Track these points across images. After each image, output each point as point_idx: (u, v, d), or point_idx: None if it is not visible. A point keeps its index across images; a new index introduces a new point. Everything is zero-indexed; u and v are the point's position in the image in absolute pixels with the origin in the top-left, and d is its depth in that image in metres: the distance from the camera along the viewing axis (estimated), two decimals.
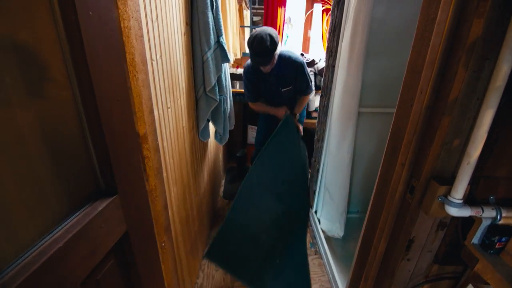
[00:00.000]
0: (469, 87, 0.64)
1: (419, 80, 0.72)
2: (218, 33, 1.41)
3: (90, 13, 0.50)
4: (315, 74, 2.78)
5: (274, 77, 1.74)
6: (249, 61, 1.71)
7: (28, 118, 0.44)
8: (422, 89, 0.70)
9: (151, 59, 0.90)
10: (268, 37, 1.50)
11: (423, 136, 0.73)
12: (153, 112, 0.87)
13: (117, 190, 0.61)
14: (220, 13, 1.43)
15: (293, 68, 1.71)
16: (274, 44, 1.52)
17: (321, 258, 1.85)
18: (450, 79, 0.65)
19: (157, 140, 0.92)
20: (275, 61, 1.63)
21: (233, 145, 3.21)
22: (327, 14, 2.73)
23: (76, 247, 0.50)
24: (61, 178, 0.51)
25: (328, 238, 1.92)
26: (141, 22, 0.77)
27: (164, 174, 1.05)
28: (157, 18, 0.93)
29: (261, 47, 1.51)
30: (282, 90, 1.79)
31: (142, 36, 0.78)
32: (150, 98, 0.85)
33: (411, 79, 0.78)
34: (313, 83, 1.93)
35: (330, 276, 1.68)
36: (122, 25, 0.63)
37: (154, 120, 0.88)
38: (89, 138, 0.55)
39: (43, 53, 0.46)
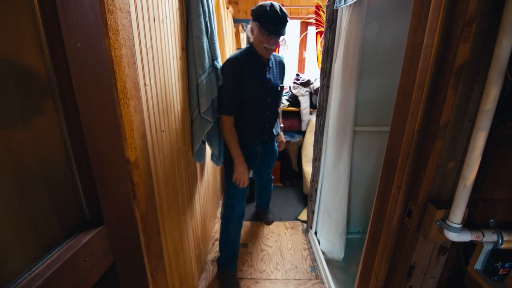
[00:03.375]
0: (460, 109, 0.64)
1: (410, 103, 0.72)
2: (213, 57, 1.44)
3: (78, 44, 0.50)
4: (311, 94, 2.82)
5: (270, 70, 1.53)
6: (235, 53, 1.49)
7: (10, 146, 0.43)
8: (413, 112, 0.70)
9: (145, 84, 0.91)
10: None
11: (417, 158, 0.72)
12: (145, 137, 0.87)
13: (103, 220, 0.59)
14: (216, 38, 1.47)
15: (281, 66, 1.60)
16: None
17: (322, 283, 1.77)
18: (440, 102, 0.65)
19: (149, 165, 0.90)
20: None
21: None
22: (320, 36, 2.81)
23: (56, 284, 0.47)
24: (43, 209, 0.49)
25: (328, 261, 1.85)
26: (134, 49, 0.79)
27: (157, 199, 1.03)
28: (151, 45, 0.95)
29: (283, 12, 1.33)
30: (279, 87, 1.59)
31: (135, 63, 0.79)
32: (143, 123, 0.84)
33: (402, 101, 0.78)
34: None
35: None
36: (113, 54, 0.64)
37: (146, 145, 0.87)
38: (75, 167, 0.53)
39: (28, 82, 0.46)
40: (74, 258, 0.51)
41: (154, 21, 0.98)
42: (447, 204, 0.69)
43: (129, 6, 0.75)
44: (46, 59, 0.47)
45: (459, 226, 0.66)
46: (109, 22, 0.62)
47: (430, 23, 0.66)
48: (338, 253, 1.84)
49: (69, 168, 0.53)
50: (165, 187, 1.12)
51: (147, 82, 0.93)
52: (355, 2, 1.32)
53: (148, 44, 0.93)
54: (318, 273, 1.85)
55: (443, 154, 0.67)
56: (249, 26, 1.45)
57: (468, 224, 0.69)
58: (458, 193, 0.65)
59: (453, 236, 0.67)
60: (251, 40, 1.46)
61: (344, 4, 1.38)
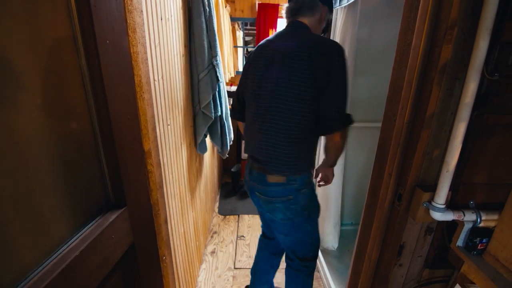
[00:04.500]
0: (443, 103, 0.72)
1: (400, 98, 0.80)
2: (213, 54, 1.50)
3: (107, 41, 0.56)
4: None
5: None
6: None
7: (50, 136, 0.48)
8: (403, 105, 0.78)
9: (154, 80, 0.96)
10: None
11: (406, 147, 0.80)
12: (155, 129, 0.92)
13: (125, 202, 0.65)
14: (216, 36, 1.52)
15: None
16: None
17: (317, 271, 1.86)
18: (426, 96, 0.73)
19: (159, 156, 0.96)
20: None
21: (228, 160, 3.25)
22: None
23: (90, 256, 0.53)
24: (77, 191, 0.55)
25: (323, 251, 1.94)
26: (146, 46, 0.84)
27: (164, 189, 1.08)
28: (159, 42, 1.00)
29: None
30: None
31: (146, 59, 0.84)
32: (153, 116, 0.90)
33: (393, 96, 0.86)
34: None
35: None
36: (131, 51, 0.69)
37: (156, 137, 0.93)
38: (103, 154, 0.59)
39: (64, 77, 0.51)
40: (103, 234, 0.57)
41: (161, 19, 1.03)
42: (432, 188, 0.77)
43: (142, 5, 0.80)
44: (80, 55, 0.52)
45: (443, 206, 0.75)
46: (128, 21, 0.67)
47: (418, 26, 0.74)
48: (332, 243, 1.93)
49: (97, 153, 0.59)
50: (170, 178, 1.17)
51: (156, 78, 0.98)
52: (349, 3, 1.39)
53: (157, 42, 0.98)
54: None
55: (429, 143, 0.75)
56: (318, 15, 1.09)
57: (451, 205, 0.78)
58: (441, 177, 0.73)
59: (437, 216, 0.75)
60: (321, 29, 1.16)
61: (339, 5, 1.45)
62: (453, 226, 0.85)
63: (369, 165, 2.01)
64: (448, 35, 0.68)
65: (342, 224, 2.12)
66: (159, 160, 0.96)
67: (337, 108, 0.94)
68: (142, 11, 0.80)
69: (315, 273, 1.84)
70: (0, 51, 0.38)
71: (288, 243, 1.22)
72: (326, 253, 1.93)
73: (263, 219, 1.41)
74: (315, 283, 1.76)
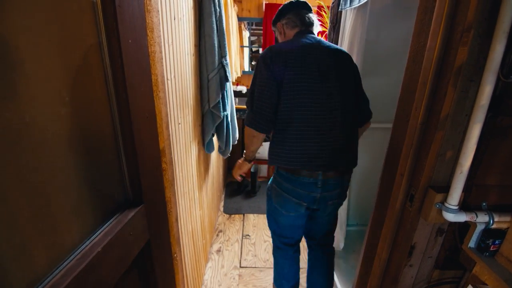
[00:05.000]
0: (458, 104, 0.72)
1: (414, 99, 0.81)
2: (223, 54, 1.51)
3: (130, 41, 0.57)
4: None
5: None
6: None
7: (73, 133, 0.49)
8: (417, 106, 0.79)
9: (167, 79, 0.97)
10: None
11: (419, 148, 0.80)
12: (168, 128, 0.93)
13: (143, 200, 0.66)
14: (225, 36, 1.53)
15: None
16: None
17: None
18: (441, 98, 0.73)
19: (171, 154, 0.97)
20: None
21: (232, 160, 3.26)
22: (322, 36, 2.90)
23: (111, 252, 0.54)
24: (97, 188, 0.56)
25: None
26: (161, 46, 0.85)
27: (175, 187, 1.10)
28: (172, 42, 1.01)
29: None
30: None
31: (162, 58, 0.85)
32: (167, 115, 0.91)
33: (406, 97, 0.86)
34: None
35: None
36: (150, 50, 0.70)
37: (169, 135, 0.94)
38: (122, 151, 0.60)
39: (88, 75, 0.52)
40: (123, 231, 0.58)
41: (174, 19, 1.04)
42: (445, 189, 0.78)
43: (158, 5, 0.81)
44: (104, 54, 0.53)
45: (456, 207, 0.75)
46: (147, 21, 0.68)
47: (433, 28, 0.74)
48: (338, 243, 1.93)
49: (117, 150, 0.60)
50: (180, 176, 1.19)
51: (169, 77, 0.99)
52: (359, 5, 1.39)
53: (170, 41, 0.99)
54: None
55: (443, 145, 0.75)
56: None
57: (463, 207, 0.78)
58: (455, 179, 0.74)
59: (450, 217, 0.76)
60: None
61: (349, 6, 1.45)
62: (464, 228, 0.85)
63: (373, 166, 2.01)
64: (464, 38, 0.68)
65: (347, 225, 2.12)
66: (171, 158, 0.97)
67: (367, 101, 1.24)
68: (158, 11, 0.81)
69: None
70: (27, 49, 0.39)
71: (332, 223, 1.40)
72: None
73: (299, 231, 1.37)
74: None
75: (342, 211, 1.91)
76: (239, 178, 1.38)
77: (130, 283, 0.65)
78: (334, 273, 1.73)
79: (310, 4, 1.28)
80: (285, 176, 1.13)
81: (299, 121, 1.05)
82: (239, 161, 1.35)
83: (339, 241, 1.94)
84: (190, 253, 1.43)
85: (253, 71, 1.11)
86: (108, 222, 0.56)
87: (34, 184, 0.41)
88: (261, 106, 1.06)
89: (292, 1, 1.24)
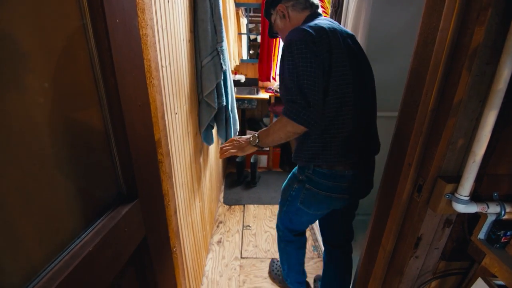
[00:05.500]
0: (472, 89, 0.68)
1: (424, 84, 0.76)
2: (218, 40, 1.43)
3: (117, 21, 0.51)
4: None
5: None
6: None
7: (58, 125, 0.45)
8: (427, 92, 0.74)
9: (161, 66, 0.92)
10: None
11: (429, 137, 0.76)
12: (164, 117, 0.89)
13: (137, 194, 0.62)
14: (222, 21, 1.46)
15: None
16: None
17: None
18: (454, 82, 0.68)
19: (168, 145, 0.93)
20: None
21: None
22: None
23: (104, 251, 0.50)
24: (87, 182, 0.52)
25: None
26: (154, 29, 0.79)
27: (173, 179, 1.06)
28: (166, 26, 0.95)
29: None
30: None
31: (155, 43, 0.80)
32: (162, 104, 0.86)
33: (414, 83, 0.82)
34: (292, 92, 0.94)
35: None
36: (141, 33, 0.65)
37: (165, 125, 0.89)
38: (114, 143, 0.56)
39: (72, 59, 0.47)
40: (116, 228, 0.54)
41: (168, 1, 0.97)
42: (455, 179, 0.74)
43: None
44: (89, 35, 0.48)
45: (467, 198, 0.72)
46: (137, 0, 0.63)
47: (447, 8, 0.69)
48: None
49: (108, 142, 0.56)
50: (178, 168, 1.15)
51: (163, 64, 0.94)
52: None
53: (164, 25, 0.93)
54: (320, 252, 1.93)
55: (454, 132, 0.71)
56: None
57: (474, 197, 0.75)
58: (467, 168, 0.70)
59: (461, 208, 0.72)
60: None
61: None
62: (473, 218, 0.82)
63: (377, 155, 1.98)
64: (481, 17, 0.63)
65: None
66: (168, 149, 0.92)
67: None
68: None
69: (321, 263, 1.84)
70: (5, 30, 0.34)
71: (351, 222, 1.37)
72: None
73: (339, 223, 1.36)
74: (321, 272, 1.77)
75: None
76: (225, 156, 1.17)
77: (127, 281, 0.62)
78: None
79: None
80: (327, 174, 1.03)
81: (344, 114, 0.97)
82: (243, 141, 1.14)
83: None
84: (191, 245, 1.41)
85: (286, 58, 0.93)
86: (100, 220, 0.52)
87: (14, 179, 0.36)
88: (316, 100, 0.91)
89: None
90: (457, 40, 0.68)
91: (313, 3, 1.09)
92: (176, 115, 1.11)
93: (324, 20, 1.02)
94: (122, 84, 0.53)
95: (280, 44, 2.89)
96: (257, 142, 1.09)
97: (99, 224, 0.52)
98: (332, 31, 0.95)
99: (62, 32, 0.44)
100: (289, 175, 1.28)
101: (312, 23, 0.97)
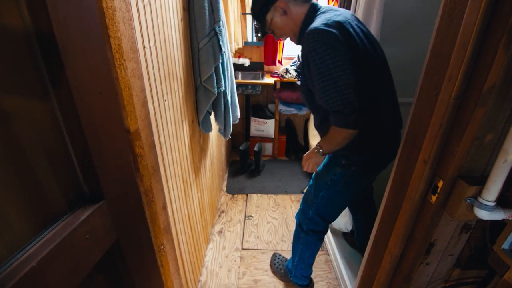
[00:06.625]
0: (508, 73, 0.55)
1: (447, 66, 0.63)
2: (216, 19, 1.31)
3: None
4: None
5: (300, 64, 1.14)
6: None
7: None
8: (451, 76, 0.61)
9: (144, 47, 0.81)
10: None
11: (450, 130, 0.64)
12: (147, 106, 0.80)
13: (103, 194, 0.54)
14: None
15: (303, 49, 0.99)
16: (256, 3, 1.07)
17: (328, 254, 1.79)
18: (486, 64, 0.55)
19: (152, 136, 0.84)
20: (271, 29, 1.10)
21: (236, 138, 3.13)
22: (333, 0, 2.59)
23: (54, 264, 0.43)
24: (33, 184, 0.44)
25: (334, 232, 1.86)
26: (129, 3, 0.68)
27: (162, 172, 0.98)
28: (149, 1, 0.84)
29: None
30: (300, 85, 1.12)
31: (131, 19, 0.69)
32: (143, 90, 0.77)
33: (435, 65, 0.69)
34: (345, 101, 0.91)
35: (338, 273, 1.63)
36: (104, 5, 0.54)
37: (148, 114, 0.80)
38: (67, 137, 0.47)
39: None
40: (72, 236, 0.47)
41: None
42: (479, 181, 0.63)
43: None
44: (22, 8, 0.38)
45: (493, 204, 0.60)
46: None
47: None
48: (346, 225, 1.83)
49: (60, 137, 0.47)
50: (170, 159, 1.07)
51: (146, 44, 0.84)
52: None
53: (146, 0, 0.82)
54: (324, 245, 1.86)
55: (482, 125, 0.59)
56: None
57: (500, 202, 0.64)
58: (496, 169, 0.58)
59: (484, 215, 0.61)
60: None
61: None
62: (496, 223, 0.71)
63: None
64: None
65: None
66: (153, 140, 0.84)
67: None
68: None
69: (325, 256, 1.78)
70: None
71: None
72: (337, 235, 1.84)
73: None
74: (324, 265, 1.71)
75: None
76: (314, 170, 1.23)
77: None
78: (339, 256, 1.65)
79: None
80: (372, 156, 1.11)
81: (377, 102, 1.02)
82: (312, 154, 1.14)
83: (346, 223, 1.84)
84: (187, 237, 1.36)
85: (318, 66, 0.90)
86: (49, 228, 0.45)
87: None
88: (358, 102, 0.91)
89: None
90: (493, 9, 0.54)
91: None
92: (166, 102, 1.02)
93: (333, 12, 0.98)
94: (72, 66, 0.44)
95: None
96: (322, 151, 1.11)
97: (48, 234, 0.44)
98: (347, 23, 0.92)
99: None
100: (324, 161, 1.24)
101: (326, 19, 0.91)
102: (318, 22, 0.91)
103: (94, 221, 0.52)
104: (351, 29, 0.91)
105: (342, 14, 0.95)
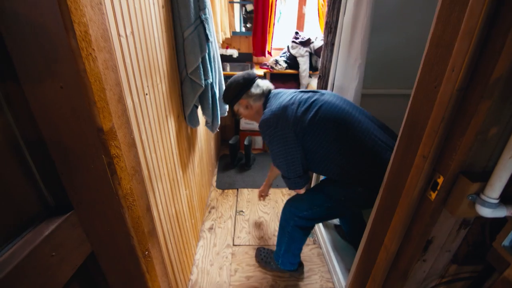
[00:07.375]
0: None
1: (449, 56, 0.58)
2: (201, 7, 1.22)
3: None
4: (311, 54, 2.61)
5: None
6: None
7: None
8: (454, 66, 0.57)
9: (118, 35, 0.73)
10: (232, 82, 1.32)
11: (452, 123, 0.60)
12: (123, 100, 0.72)
13: (72, 204, 0.47)
14: None
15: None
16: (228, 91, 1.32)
17: (320, 247, 1.78)
18: (494, 53, 0.51)
19: (132, 134, 0.77)
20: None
21: (225, 132, 3.06)
22: None
23: None
24: None
25: (325, 225, 1.84)
26: None
27: (146, 172, 0.91)
28: None
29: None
30: None
31: (101, 3, 0.61)
32: (118, 83, 0.69)
33: (435, 55, 0.64)
34: (291, 170, 1.20)
35: (330, 266, 1.61)
36: None
37: (125, 110, 0.73)
38: (21, 141, 0.40)
39: None
40: (34, 255, 0.40)
41: None
42: (482, 177, 0.59)
43: None
44: None
45: (496, 201, 0.58)
46: None
47: None
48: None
49: (13, 141, 0.40)
50: (154, 158, 1.00)
51: (122, 33, 0.75)
52: None
53: None
54: (316, 239, 1.85)
55: (487, 119, 0.55)
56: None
57: (503, 199, 0.61)
58: (501, 164, 0.55)
59: (487, 212, 0.58)
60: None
61: None
62: (496, 220, 0.69)
63: None
64: None
65: None
66: (132, 138, 0.77)
67: None
68: None
69: (318, 250, 1.76)
70: None
71: None
72: (329, 228, 1.83)
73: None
74: (317, 259, 1.69)
75: None
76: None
77: None
78: (331, 249, 1.64)
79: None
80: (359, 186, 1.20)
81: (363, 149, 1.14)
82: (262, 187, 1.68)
83: None
84: (176, 237, 1.31)
85: (269, 144, 1.22)
86: (6, 249, 0.38)
87: None
88: (301, 170, 1.21)
89: (241, 80, 1.29)
90: None
91: (266, 90, 1.30)
92: (147, 96, 0.94)
93: (280, 98, 1.23)
94: (20, 57, 0.36)
95: (275, 10, 2.60)
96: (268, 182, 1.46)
97: (3, 256, 0.37)
98: (292, 103, 1.17)
99: None
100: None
101: (275, 106, 1.18)
102: (268, 111, 1.18)
103: (60, 235, 0.45)
104: (295, 107, 1.15)
105: (289, 95, 1.22)
